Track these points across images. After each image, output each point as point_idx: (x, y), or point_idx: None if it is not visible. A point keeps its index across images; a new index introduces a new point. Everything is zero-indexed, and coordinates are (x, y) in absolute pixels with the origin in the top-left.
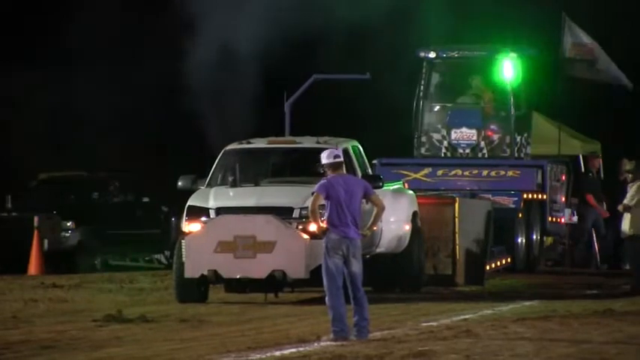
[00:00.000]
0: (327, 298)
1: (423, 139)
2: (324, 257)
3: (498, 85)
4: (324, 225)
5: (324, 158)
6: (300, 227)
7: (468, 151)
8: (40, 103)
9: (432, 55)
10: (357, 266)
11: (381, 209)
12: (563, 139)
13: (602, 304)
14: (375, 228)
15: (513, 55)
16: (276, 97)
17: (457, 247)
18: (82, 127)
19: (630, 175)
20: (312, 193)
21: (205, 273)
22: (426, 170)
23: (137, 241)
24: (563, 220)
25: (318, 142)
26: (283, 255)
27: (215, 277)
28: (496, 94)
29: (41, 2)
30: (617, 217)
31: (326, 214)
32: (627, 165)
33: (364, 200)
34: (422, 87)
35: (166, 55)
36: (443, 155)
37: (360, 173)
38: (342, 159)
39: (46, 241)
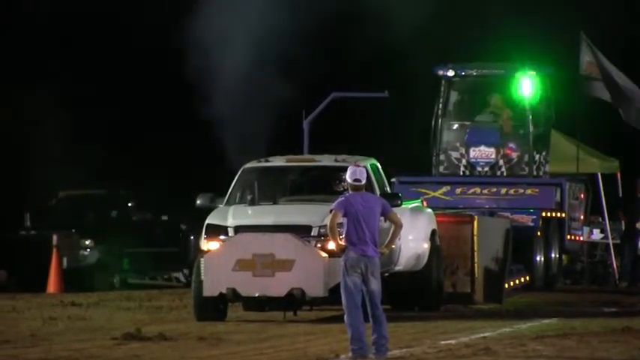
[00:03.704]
0: (345, 317)
1: (442, 157)
2: (343, 275)
3: (517, 103)
4: (342, 243)
5: (348, 176)
6: (319, 245)
7: (486, 169)
8: (59, 121)
9: (451, 73)
10: (375, 284)
11: (399, 227)
12: (581, 157)
13: (621, 321)
14: (392, 246)
15: (532, 73)
16: (294, 114)
17: (476, 265)
18: (100, 146)
19: None
20: (331, 211)
21: (224, 291)
22: (445, 188)
23: (156, 259)
24: (581, 238)
25: (336, 161)
26: (302, 273)
27: (234, 296)
28: (514, 112)
29: (62, 24)
30: (635, 235)
31: (344, 232)
32: None
33: (382, 218)
34: (440, 105)
35: (185, 74)
36: (461, 173)
37: (378, 191)
38: (361, 183)
39: (64, 260)
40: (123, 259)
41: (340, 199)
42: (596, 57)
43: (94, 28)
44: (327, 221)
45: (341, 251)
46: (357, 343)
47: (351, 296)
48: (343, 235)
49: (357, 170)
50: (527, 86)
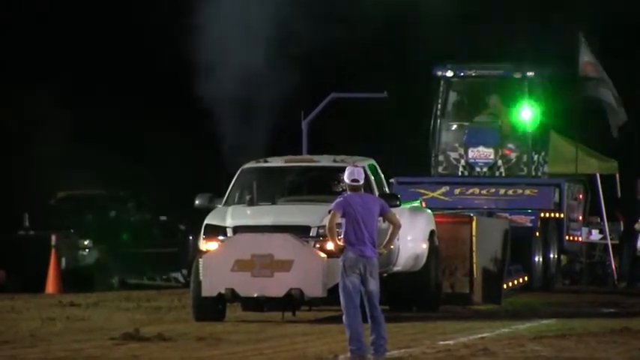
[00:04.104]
0: (344, 317)
1: (441, 157)
2: (341, 276)
3: (515, 104)
4: (341, 243)
5: (345, 176)
6: (318, 246)
7: (485, 169)
8: (59, 121)
9: (449, 73)
10: (374, 285)
11: (397, 227)
12: (580, 158)
13: (620, 322)
14: (391, 246)
15: (531, 73)
16: (293, 115)
17: (474, 265)
18: (100, 146)
19: None
20: (329, 211)
21: (222, 291)
22: (444, 189)
23: (155, 259)
24: (580, 239)
25: (335, 161)
26: (300, 273)
27: (232, 296)
28: (513, 112)
29: (67, 26)
30: (633, 236)
31: (342, 232)
32: None
33: (381, 219)
34: (439, 106)
35: (183, 74)
36: (460, 174)
37: (377, 192)
38: (359, 183)
39: (63, 260)
40: (121, 259)
41: (339, 199)
42: (595, 57)
43: (94, 28)
44: (326, 222)
45: (339, 252)
46: (355, 343)
47: (350, 297)
48: (342, 236)
49: (355, 170)
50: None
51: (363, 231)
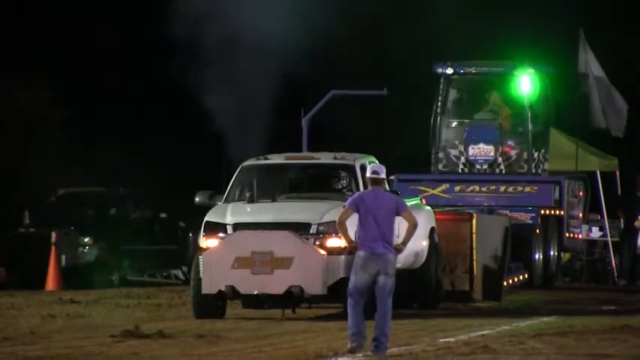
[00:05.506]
0: (348, 315)
1: (441, 155)
2: (352, 273)
3: (516, 100)
4: (352, 239)
5: (367, 170)
6: (318, 243)
7: (485, 167)
8: (59, 119)
9: (450, 71)
10: (384, 280)
11: (413, 225)
12: (580, 155)
13: (620, 320)
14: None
15: (531, 70)
16: (293, 112)
17: (474, 263)
18: (100, 143)
19: None
20: (343, 207)
21: (223, 289)
22: (444, 186)
23: (155, 256)
24: (580, 236)
25: (335, 158)
26: (301, 271)
27: (232, 293)
28: (513, 109)
29: (66, 23)
30: (634, 233)
31: (355, 230)
32: None
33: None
34: (439, 103)
35: (183, 71)
36: (460, 171)
37: None
38: (380, 176)
39: (63, 257)
40: (122, 256)
41: (354, 196)
42: (593, 57)
43: (95, 28)
44: (327, 219)
45: (350, 251)
46: (356, 338)
47: (356, 294)
48: (354, 233)
49: (373, 165)
50: (526, 84)
51: (374, 228)
